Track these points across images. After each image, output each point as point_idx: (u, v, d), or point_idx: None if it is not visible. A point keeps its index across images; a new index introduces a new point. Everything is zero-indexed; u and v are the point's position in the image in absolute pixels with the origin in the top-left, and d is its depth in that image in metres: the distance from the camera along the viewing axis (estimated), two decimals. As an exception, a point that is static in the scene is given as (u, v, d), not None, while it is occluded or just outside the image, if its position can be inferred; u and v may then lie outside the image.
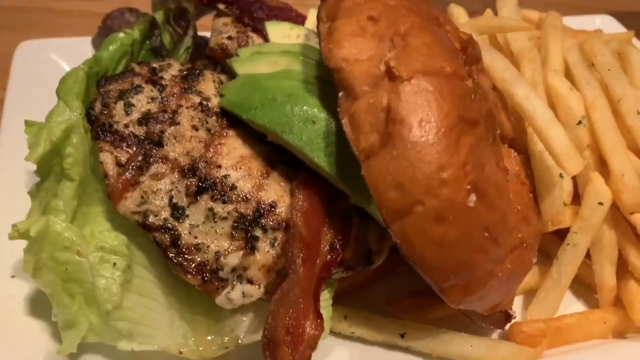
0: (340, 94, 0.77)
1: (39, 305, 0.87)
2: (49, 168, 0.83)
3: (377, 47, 0.78)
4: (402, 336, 0.89)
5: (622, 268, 0.98)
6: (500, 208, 0.77)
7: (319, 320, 0.75)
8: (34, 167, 0.97)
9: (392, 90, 0.74)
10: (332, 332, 0.90)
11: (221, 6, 1.13)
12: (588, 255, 0.98)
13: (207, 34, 1.16)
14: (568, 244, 0.95)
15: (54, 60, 1.27)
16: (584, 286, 1.02)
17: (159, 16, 1.02)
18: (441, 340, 0.88)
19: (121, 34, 0.93)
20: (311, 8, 1.06)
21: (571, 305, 1.01)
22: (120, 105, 0.85)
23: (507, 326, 0.93)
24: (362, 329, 0.91)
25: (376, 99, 0.74)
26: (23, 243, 0.84)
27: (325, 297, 0.86)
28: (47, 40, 1.29)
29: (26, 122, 0.89)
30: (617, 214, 0.98)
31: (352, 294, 0.94)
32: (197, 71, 0.93)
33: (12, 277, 0.89)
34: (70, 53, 1.27)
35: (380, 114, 0.73)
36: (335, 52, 0.78)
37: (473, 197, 0.72)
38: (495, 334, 0.96)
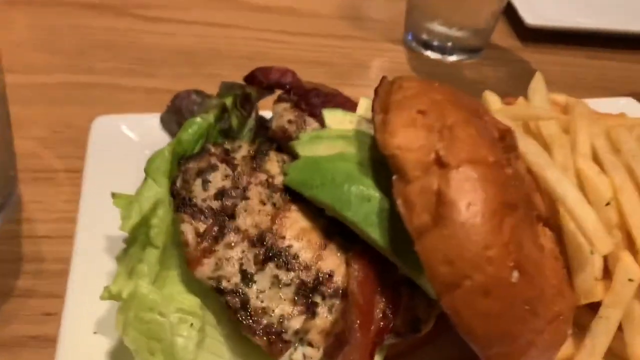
0: (394, 177, 0.88)
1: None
2: (135, 236, 0.94)
3: (427, 137, 0.89)
4: (447, 399, 0.96)
5: (653, 341, 1.04)
6: (538, 283, 0.86)
7: (374, 382, 0.84)
8: (111, 232, 1.09)
9: (441, 176, 0.84)
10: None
11: (280, 91, 1.27)
12: (620, 328, 1.04)
13: (265, 113, 1.29)
14: (601, 317, 1.02)
15: (125, 133, 1.40)
16: (616, 357, 1.08)
17: (229, 101, 1.15)
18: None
19: (198, 119, 1.06)
20: (361, 97, 1.18)
21: (605, 375, 1.07)
22: (198, 182, 0.97)
23: (545, 394, 0.99)
24: (409, 392, 0.98)
25: (427, 184, 0.84)
26: (102, 303, 0.95)
27: (377, 361, 0.94)
28: (119, 116, 1.43)
29: (113, 194, 1.02)
30: (646, 290, 1.05)
31: (400, 358, 1.01)
32: (264, 152, 1.05)
33: (95, 333, 0.99)
34: (140, 128, 1.41)
35: (432, 196, 0.83)
36: (389, 141, 0.89)
37: (516, 274, 0.81)
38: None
